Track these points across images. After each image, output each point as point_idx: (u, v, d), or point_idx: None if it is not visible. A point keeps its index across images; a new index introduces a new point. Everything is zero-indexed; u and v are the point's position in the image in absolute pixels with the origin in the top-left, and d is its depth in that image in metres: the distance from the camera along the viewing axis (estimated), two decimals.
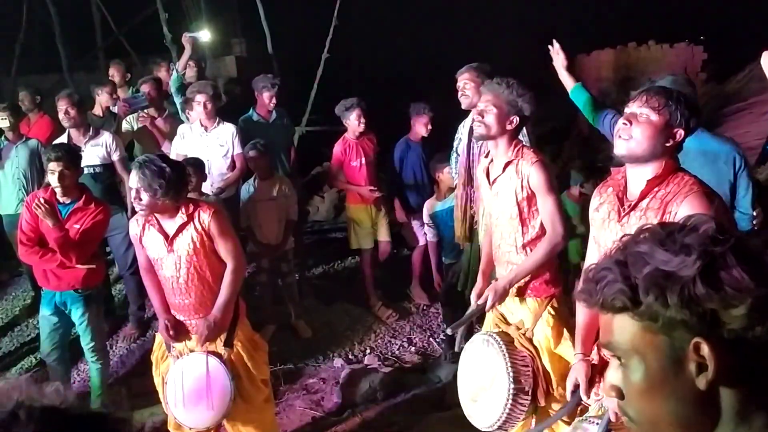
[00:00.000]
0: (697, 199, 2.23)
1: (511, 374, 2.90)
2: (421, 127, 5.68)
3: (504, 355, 2.94)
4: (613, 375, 1.07)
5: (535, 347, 3.03)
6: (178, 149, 5.27)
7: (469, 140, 4.03)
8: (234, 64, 9.33)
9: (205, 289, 3.40)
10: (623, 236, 1.09)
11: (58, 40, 8.75)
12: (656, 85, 2.72)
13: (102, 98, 5.90)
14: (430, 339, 5.38)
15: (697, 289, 0.96)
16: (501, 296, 3.04)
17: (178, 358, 3.45)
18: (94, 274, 4.24)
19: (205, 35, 7.05)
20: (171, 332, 3.43)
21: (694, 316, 0.97)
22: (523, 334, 3.06)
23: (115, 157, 5.20)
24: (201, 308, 3.41)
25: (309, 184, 7.53)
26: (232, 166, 5.33)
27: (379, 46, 9.34)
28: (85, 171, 5.06)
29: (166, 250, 3.35)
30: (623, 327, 1.03)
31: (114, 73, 6.31)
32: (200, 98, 5.23)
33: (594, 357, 2.64)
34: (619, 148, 2.35)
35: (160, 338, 3.57)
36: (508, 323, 3.15)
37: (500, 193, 3.09)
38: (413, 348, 5.28)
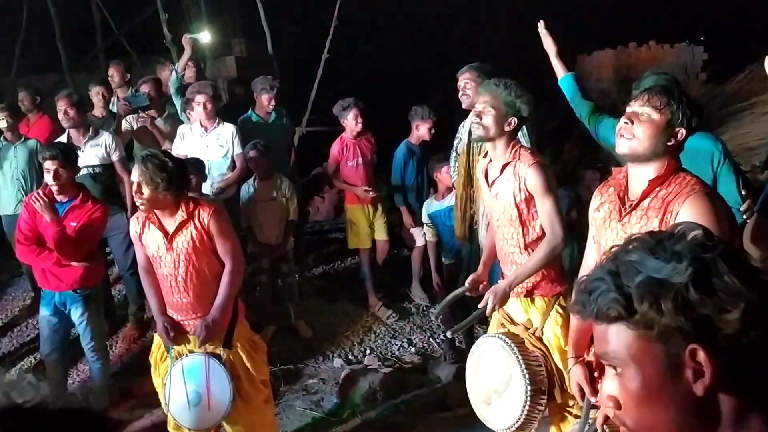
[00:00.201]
0: (699, 199, 2.22)
1: (527, 375, 2.89)
2: (425, 131, 5.63)
3: (517, 356, 2.93)
4: (610, 385, 1.07)
5: (545, 346, 3.03)
6: (178, 150, 5.26)
7: (470, 140, 4.03)
8: (234, 65, 9.32)
9: (204, 288, 3.39)
10: (612, 246, 1.10)
11: (58, 40, 8.73)
12: (641, 82, 2.71)
13: (94, 99, 5.87)
14: (430, 339, 5.38)
15: (690, 295, 0.97)
16: (502, 299, 3.02)
17: (177, 359, 3.44)
18: (93, 274, 4.24)
19: (205, 36, 7.03)
20: (171, 334, 3.42)
21: (689, 322, 0.97)
22: (533, 334, 3.05)
23: (114, 157, 5.20)
24: (199, 307, 3.40)
25: (309, 184, 7.52)
26: (232, 166, 5.33)
27: (379, 46, 9.34)
28: (85, 171, 5.07)
29: (166, 247, 3.35)
30: (618, 336, 1.04)
31: (113, 73, 6.29)
32: (200, 98, 5.23)
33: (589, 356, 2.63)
34: (621, 147, 2.35)
35: (158, 339, 3.56)
36: (514, 323, 3.14)
37: (499, 195, 3.07)
38: (413, 348, 5.27)
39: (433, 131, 5.61)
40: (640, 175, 2.36)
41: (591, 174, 5.24)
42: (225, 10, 9.27)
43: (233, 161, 5.32)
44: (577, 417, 2.85)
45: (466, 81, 4.13)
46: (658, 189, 2.31)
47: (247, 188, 5.33)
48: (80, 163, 4.98)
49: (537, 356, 2.99)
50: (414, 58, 9.52)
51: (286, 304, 5.48)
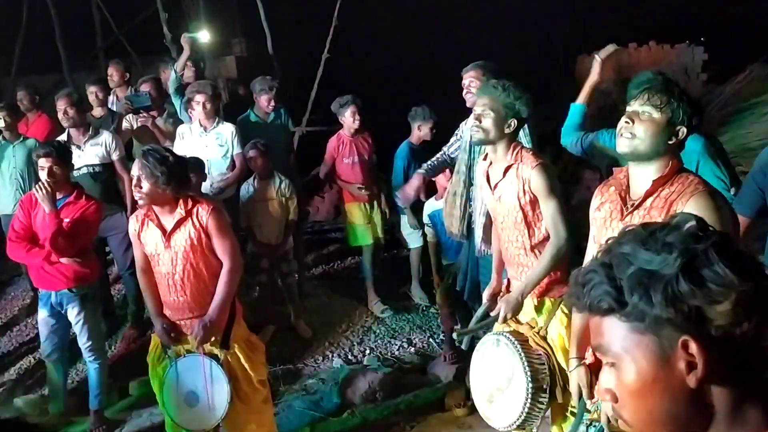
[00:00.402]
0: (703, 198, 2.21)
1: (529, 373, 2.89)
2: (426, 132, 5.62)
3: (520, 354, 2.92)
4: (606, 378, 1.08)
5: (549, 345, 3.02)
6: (178, 149, 5.25)
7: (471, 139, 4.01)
8: (234, 64, 9.31)
9: (201, 287, 3.38)
10: (608, 239, 1.10)
11: (58, 40, 8.73)
12: (633, 82, 2.70)
13: (91, 99, 5.84)
14: (430, 339, 5.37)
15: (680, 286, 0.97)
16: (515, 308, 3.02)
17: (175, 359, 3.43)
18: (88, 272, 4.22)
19: (204, 36, 7.03)
20: (171, 335, 3.42)
21: (680, 313, 0.97)
22: (537, 333, 3.04)
23: (114, 156, 5.20)
24: (196, 307, 3.39)
25: (309, 184, 7.51)
26: (232, 166, 5.32)
27: (379, 46, 9.33)
28: (85, 170, 5.08)
29: (164, 245, 3.34)
30: (612, 329, 1.04)
31: (112, 73, 6.27)
32: (199, 98, 5.22)
33: (589, 358, 2.63)
34: (622, 146, 2.34)
35: (156, 340, 3.55)
36: (519, 322, 3.13)
37: (503, 197, 3.06)
38: (413, 348, 5.27)
39: (434, 131, 5.61)
40: (641, 175, 2.35)
41: (591, 174, 5.24)
42: (225, 9, 9.26)
43: (233, 161, 5.32)
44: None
45: (470, 79, 4.12)
46: (660, 188, 2.30)
47: (247, 188, 5.32)
48: (80, 163, 5.00)
49: (540, 354, 2.98)
50: (414, 58, 9.51)
51: (285, 303, 5.47)
